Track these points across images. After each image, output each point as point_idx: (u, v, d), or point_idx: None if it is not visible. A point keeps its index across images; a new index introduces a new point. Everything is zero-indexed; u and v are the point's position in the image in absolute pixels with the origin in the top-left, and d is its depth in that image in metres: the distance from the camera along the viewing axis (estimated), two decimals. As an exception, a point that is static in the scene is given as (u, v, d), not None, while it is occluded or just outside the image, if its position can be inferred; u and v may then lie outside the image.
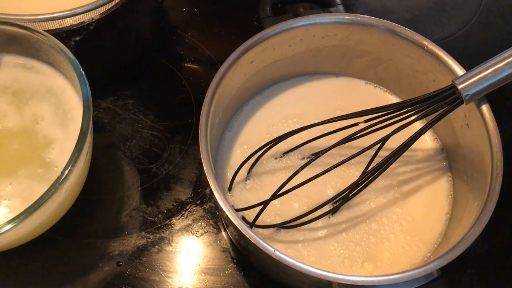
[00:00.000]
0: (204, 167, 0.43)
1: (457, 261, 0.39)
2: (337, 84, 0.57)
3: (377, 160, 0.46)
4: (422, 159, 0.53)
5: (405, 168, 0.52)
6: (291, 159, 0.52)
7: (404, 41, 0.51)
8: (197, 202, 0.56)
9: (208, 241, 0.53)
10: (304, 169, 0.45)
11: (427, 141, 0.55)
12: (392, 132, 0.44)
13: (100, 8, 0.53)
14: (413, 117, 0.45)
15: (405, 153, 0.52)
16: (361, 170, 0.47)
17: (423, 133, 0.45)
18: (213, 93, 0.47)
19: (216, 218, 0.55)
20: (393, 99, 0.57)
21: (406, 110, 0.45)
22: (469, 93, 0.43)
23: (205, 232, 0.54)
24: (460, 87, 0.43)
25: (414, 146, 0.53)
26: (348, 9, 0.54)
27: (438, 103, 0.44)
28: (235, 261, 0.52)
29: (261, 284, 0.51)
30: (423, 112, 0.45)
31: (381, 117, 0.45)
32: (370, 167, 0.46)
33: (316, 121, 0.53)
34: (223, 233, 0.54)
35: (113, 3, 0.54)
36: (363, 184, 0.46)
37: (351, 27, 0.52)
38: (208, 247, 0.53)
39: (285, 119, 0.55)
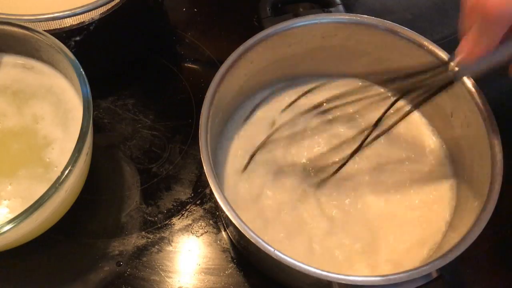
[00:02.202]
0: (204, 167, 0.43)
1: (457, 261, 0.39)
2: (337, 84, 0.57)
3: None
4: (423, 159, 0.53)
5: (405, 168, 0.52)
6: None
7: (404, 41, 0.51)
8: (197, 202, 0.56)
9: (208, 241, 0.53)
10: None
11: (429, 142, 0.54)
12: (383, 114, 0.45)
13: (100, 8, 0.53)
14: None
15: (406, 153, 0.53)
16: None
17: (414, 110, 0.46)
18: (213, 93, 0.47)
19: (216, 218, 0.55)
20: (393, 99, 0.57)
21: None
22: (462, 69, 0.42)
23: (205, 232, 0.54)
24: (452, 63, 0.42)
25: (415, 145, 0.53)
26: (348, 9, 0.54)
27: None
28: (235, 261, 0.52)
29: (261, 284, 0.51)
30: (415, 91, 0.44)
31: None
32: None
33: (318, 120, 0.53)
34: (223, 233, 0.54)
35: (113, 3, 0.54)
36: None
37: (351, 27, 0.52)
38: (208, 247, 0.53)
39: (285, 118, 0.55)
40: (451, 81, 0.42)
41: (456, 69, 0.41)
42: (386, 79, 0.46)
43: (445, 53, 0.49)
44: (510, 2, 0.34)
